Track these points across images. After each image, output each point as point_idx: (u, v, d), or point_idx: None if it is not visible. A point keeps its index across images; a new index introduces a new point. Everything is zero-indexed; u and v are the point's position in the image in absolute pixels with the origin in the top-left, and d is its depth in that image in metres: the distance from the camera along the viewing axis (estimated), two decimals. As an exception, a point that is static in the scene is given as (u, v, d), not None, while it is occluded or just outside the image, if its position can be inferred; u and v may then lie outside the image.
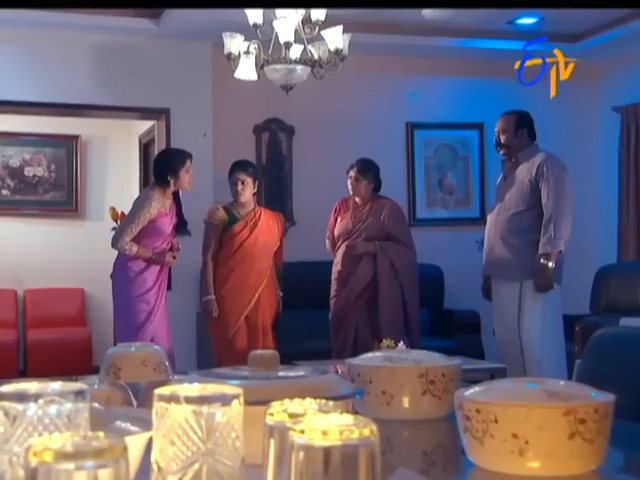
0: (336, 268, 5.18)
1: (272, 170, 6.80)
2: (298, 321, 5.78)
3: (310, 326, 5.81)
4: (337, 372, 2.44)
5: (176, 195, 4.85)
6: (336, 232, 5.24)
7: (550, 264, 4.54)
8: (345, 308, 5.07)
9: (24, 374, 6.81)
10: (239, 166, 5.02)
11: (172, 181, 4.70)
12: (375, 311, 5.01)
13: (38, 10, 5.60)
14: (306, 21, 4.60)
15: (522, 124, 4.80)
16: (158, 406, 0.80)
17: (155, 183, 4.79)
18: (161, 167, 4.77)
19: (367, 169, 5.17)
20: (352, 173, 5.17)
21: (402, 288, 5.06)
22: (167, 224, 4.74)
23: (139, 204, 4.71)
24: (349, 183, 5.19)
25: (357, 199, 5.22)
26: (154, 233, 4.68)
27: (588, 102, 7.32)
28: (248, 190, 4.97)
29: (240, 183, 4.95)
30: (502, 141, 4.81)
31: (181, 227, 4.85)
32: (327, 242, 5.35)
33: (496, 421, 1.17)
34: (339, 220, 5.25)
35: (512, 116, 4.85)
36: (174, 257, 4.75)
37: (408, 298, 5.07)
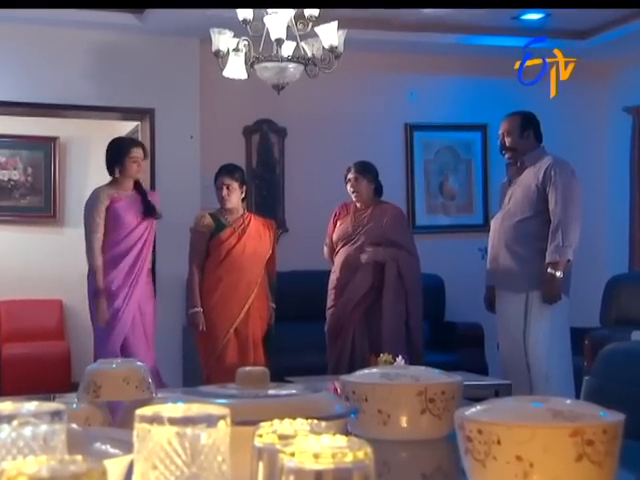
0: (334, 276, 5.18)
1: (263, 174, 6.80)
2: (291, 334, 5.78)
3: (304, 339, 5.81)
4: (335, 389, 2.43)
5: (138, 185, 4.97)
6: (335, 236, 5.24)
7: (558, 274, 4.54)
8: (342, 318, 5.06)
9: (-2, 391, 6.78)
10: (224, 170, 5.04)
11: (118, 170, 4.88)
12: (374, 323, 5.01)
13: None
14: (299, 17, 4.60)
15: (528, 125, 4.82)
16: (140, 427, 0.80)
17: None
18: (107, 157, 4.97)
19: (366, 169, 5.20)
20: (351, 175, 5.19)
21: (407, 299, 5.05)
22: (124, 209, 4.82)
23: (90, 205, 4.88)
24: (349, 186, 5.20)
25: (358, 204, 5.24)
26: (112, 220, 4.79)
27: (598, 102, 7.34)
28: (234, 195, 4.98)
29: (225, 188, 4.96)
30: (507, 144, 4.83)
31: (148, 212, 4.92)
32: (325, 249, 5.34)
33: (499, 442, 1.17)
34: (339, 224, 5.26)
35: (517, 117, 4.88)
36: (103, 316, 4.77)
37: (412, 310, 5.06)
